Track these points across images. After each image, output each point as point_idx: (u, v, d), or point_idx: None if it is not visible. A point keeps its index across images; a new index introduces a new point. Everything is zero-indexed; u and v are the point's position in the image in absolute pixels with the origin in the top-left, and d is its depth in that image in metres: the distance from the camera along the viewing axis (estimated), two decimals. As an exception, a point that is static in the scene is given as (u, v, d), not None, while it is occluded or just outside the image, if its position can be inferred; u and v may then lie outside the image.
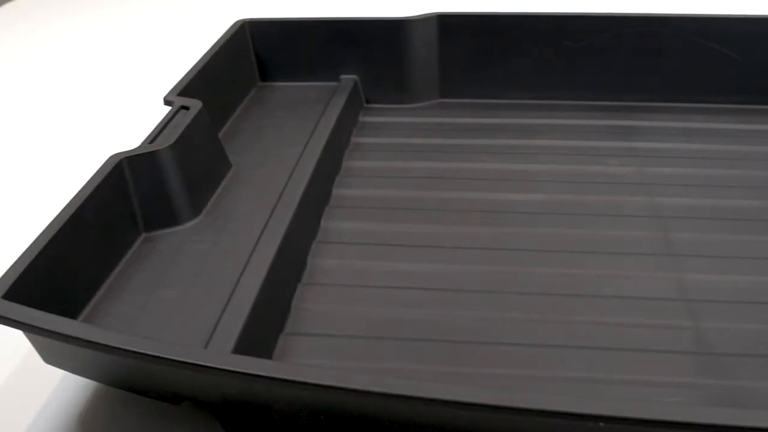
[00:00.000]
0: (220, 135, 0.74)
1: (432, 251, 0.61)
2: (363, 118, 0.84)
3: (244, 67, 0.84)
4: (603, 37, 0.83)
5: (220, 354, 0.44)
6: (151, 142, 0.61)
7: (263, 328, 0.51)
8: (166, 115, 0.65)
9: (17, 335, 0.44)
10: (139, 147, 0.60)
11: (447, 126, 0.82)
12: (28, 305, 0.42)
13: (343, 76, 0.86)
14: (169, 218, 0.60)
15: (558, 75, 0.85)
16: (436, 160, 0.75)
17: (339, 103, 0.79)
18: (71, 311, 0.50)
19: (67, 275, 0.50)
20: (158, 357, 0.37)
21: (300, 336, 0.53)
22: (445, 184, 0.71)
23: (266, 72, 0.87)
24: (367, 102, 0.87)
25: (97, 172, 0.56)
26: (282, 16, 0.89)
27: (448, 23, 0.84)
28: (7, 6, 1.46)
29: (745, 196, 0.67)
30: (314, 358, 0.51)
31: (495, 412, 0.35)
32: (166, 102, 0.67)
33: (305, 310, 0.55)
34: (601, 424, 0.34)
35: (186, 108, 0.66)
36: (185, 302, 0.52)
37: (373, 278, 0.58)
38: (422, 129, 0.81)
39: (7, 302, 0.42)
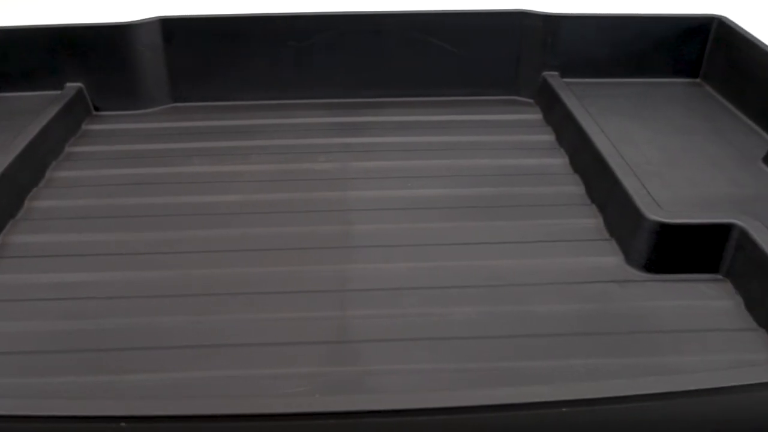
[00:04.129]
0: None
1: (113, 259, 0.60)
2: (87, 126, 0.82)
3: (-46, 78, 0.81)
4: (327, 36, 0.85)
5: None
6: None
7: None
8: None
9: None
10: None
11: (171, 130, 0.81)
12: None
13: (67, 84, 0.83)
14: None
15: (287, 75, 0.86)
16: (149, 166, 0.74)
17: (50, 111, 0.77)
18: None
19: None
20: None
21: (-65, 357, 0.51)
22: (150, 190, 0.70)
23: (-14, 83, 0.84)
24: (97, 109, 0.85)
25: None
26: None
27: (172, 27, 0.83)
28: None
29: (438, 185, 0.70)
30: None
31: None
32: None
33: (-49, 329, 0.53)
34: (123, 424, 0.34)
35: None
36: None
37: (39, 292, 0.57)
38: (146, 135, 0.80)
39: None
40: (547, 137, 0.78)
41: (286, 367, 0.50)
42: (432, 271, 0.58)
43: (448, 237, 0.62)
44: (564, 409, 0.41)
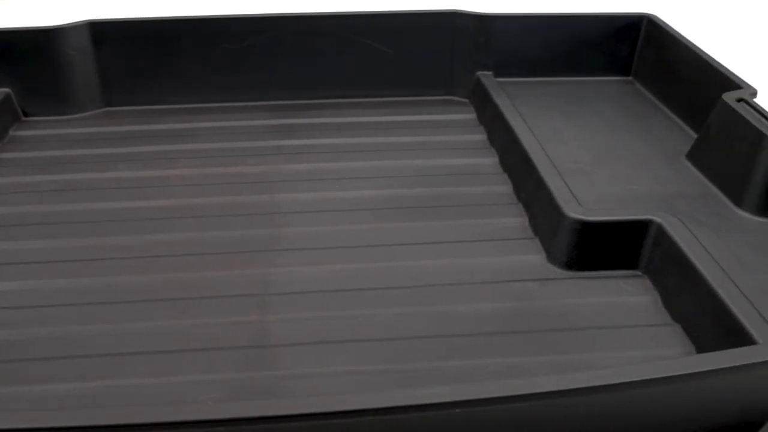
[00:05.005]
0: None
1: (36, 267, 0.59)
2: (15, 132, 0.80)
3: None
4: (262, 38, 0.84)
5: None
6: None
7: None
8: None
9: None
10: None
11: (102, 135, 0.80)
12: None
13: (-6, 90, 0.82)
14: None
15: (222, 77, 0.85)
16: (76, 172, 0.72)
17: (-26, 118, 0.75)
18: None
19: None
20: None
21: None
22: (77, 196, 0.69)
23: None
24: (27, 115, 0.83)
25: None
26: None
27: (101, 30, 0.82)
28: None
29: (369, 186, 0.70)
30: None
31: None
32: None
33: None
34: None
35: None
36: None
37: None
38: (76, 140, 0.79)
39: None
40: (480, 137, 0.79)
41: (201, 373, 0.49)
42: (358, 273, 0.58)
43: (375, 238, 0.62)
44: (472, 408, 0.41)
